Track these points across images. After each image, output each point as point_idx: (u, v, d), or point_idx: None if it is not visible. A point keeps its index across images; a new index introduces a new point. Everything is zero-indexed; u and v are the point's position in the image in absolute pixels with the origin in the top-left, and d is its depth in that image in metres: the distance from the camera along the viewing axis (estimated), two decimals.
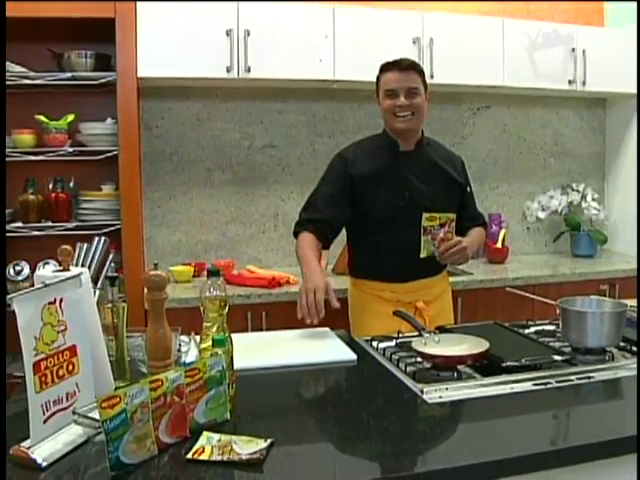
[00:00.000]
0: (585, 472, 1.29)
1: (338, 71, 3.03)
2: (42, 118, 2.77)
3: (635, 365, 1.73)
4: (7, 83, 2.72)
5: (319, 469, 1.23)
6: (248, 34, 2.88)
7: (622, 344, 1.91)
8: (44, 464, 1.20)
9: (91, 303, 1.50)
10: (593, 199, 3.62)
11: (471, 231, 2.44)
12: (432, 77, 3.14)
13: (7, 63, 2.72)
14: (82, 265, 1.81)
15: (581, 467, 1.28)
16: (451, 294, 2.51)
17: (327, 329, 2.05)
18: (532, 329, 2.10)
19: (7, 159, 2.76)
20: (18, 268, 2.84)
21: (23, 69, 2.76)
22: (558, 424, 1.42)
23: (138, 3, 2.77)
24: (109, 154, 2.83)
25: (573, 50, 3.32)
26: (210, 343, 1.45)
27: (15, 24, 2.66)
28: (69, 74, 2.78)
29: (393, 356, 1.81)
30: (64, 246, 1.51)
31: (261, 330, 2.70)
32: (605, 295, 3.14)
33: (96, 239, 1.83)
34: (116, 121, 2.81)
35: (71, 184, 2.97)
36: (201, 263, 3.17)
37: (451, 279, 3.17)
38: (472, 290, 3.02)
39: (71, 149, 2.83)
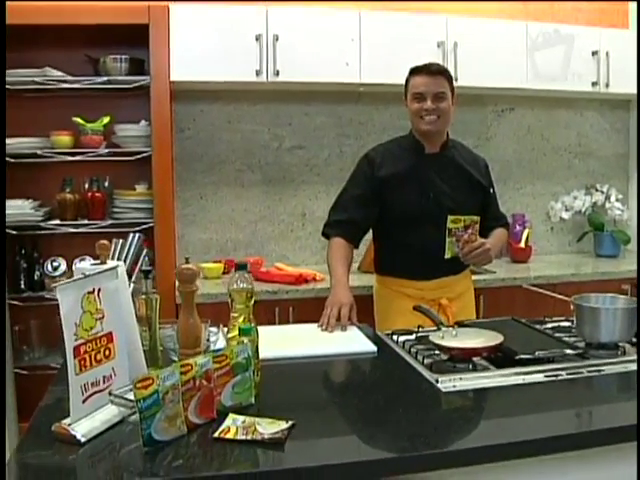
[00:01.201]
0: (593, 458, 1.35)
1: (364, 74, 3.11)
2: (79, 120, 2.91)
3: None
4: (46, 87, 2.87)
5: (337, 449, 1.31)
6: (277, 39, 2.98)
7: (635, 340, 1.96)
8: (83, 440, 1.30)
9: (127, 294, 1.61)
10: (617, 200, 3.64)
11: (494, 232, 2.50)
12: (456, 80, 3.17)
13: (46, 68, 2.86)
14: (118, 259, 1.93)
15: (589, 452, 1.34)
16: (473, 292, 2.57)
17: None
18: (549, 325, 2.16)
19: (46, 160, 2.90)
20: (55, 264, 3.00)
21: (61, 73, 2.90)
22: (566, 412, 1.47)
23: (171, 9, 2.89)
24: (143, 155, 2.96)
25: (596, 52, 3.35)
26: (237, 332, 1.55)
27: (53, 30, 2.81)
28: (105, 78, 2.91)
29: (412, 349, 1.88)
30: (102, 241, 1.63)
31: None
32: (626, 294, 3.16)
33: (131, 235, 1.95)
34: (149, 123, 2.93)
35: (106, 183, 3.11)
36: (230, 260, 3.28)
37: (474, 277, 3.22)
38: (495, 288, 3.08)
39: (106, 150, 2.96)
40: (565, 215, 3.67)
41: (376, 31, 3.11)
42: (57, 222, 2.96)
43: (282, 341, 1.92)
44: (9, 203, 2.83)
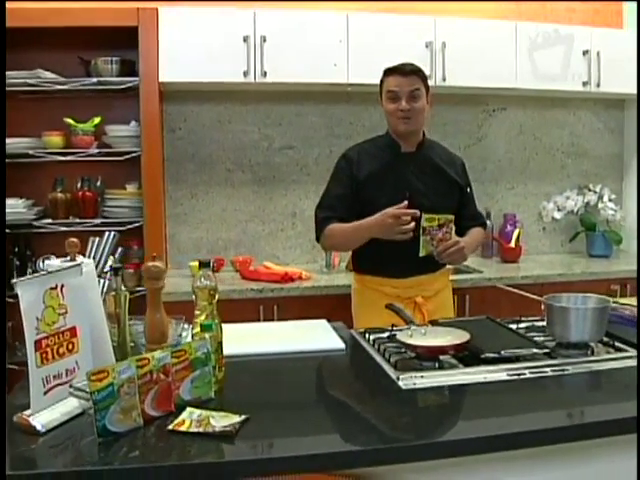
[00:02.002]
0: (538, 457, 1.38)
1: (352, 75, 3.14)
2: (70, 121, 2.96)
3: (614, 360, 1.78)
4: (39, 89, 2.92)
5: (287, 442, 1.34)
6: (264, 40, 3.02)
7: (606, 339, 1.97)
8: (42, 430, 1.34)
9: (95, 290, 1.65)
10: (610, 200, 3.63)
11: (470, 231, 2.52)
12: (444, 80, 3.23)
13: (38, 70, 2.92)
14: (93, 257, 1.97)
15: (529, 452, 1.36)
16: (451, 290, 2.59)
17: (324, 321, 2.16)
18: (523, 324, 2.17)
19: (38, 159, 2.96)
20: (48, 262, 3.04)
21: (53, 75, 2.95)
22: (520, 411, 1.48)
23: (160, 12, 2.94)
24: (132, 155, 3.01)
25: (587, 52, 3.34)
26: (199, 329, 1.58)
27: (45, 33, 2.86)
28: (95, 79, 2.96)
29: (381, 346, 1.90)
30: (71, 239, 1.67)
31: None
32: (615, 295, 3.16)
33: (107, 234, 1.98)
34: (139, 124, 2.98)
35: (98, 183, 3.16)
36: (220, 259, 3.32)
37: (460, 277, 3.26)
38: (481, 288, 3.09)
39: (97, 150, 3.01)
40: (557, 215, 3.67)
41: (364, 32, 3.14)
42: (49, 221, 3.02)
43: (252, 338, 1.96)
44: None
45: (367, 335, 2.04)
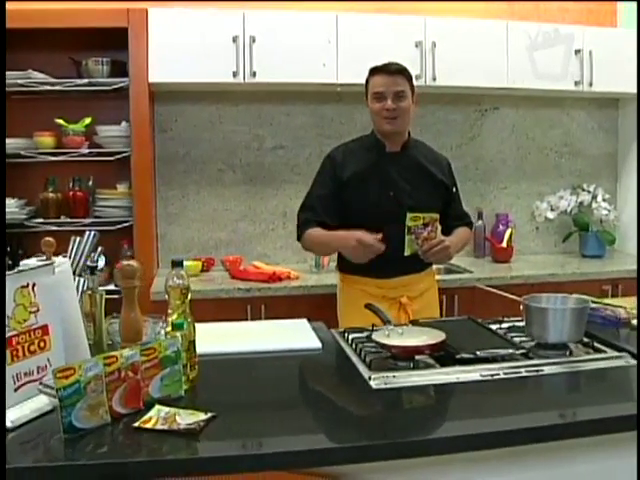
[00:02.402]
0: (511, 457, 1.39)
1: (341, 75, 3.14)
2: (61, 121, 2.99)
3: (591, 361, 1.78)
4: (30, 89, 2.95)
5: (251, 440, 1.35)
6: (253, 40, 3.03)
7: (586, 340, 1.96)
8: (11, 425, 1.36)
9: (70, 289, 1.67)
10: (604, 199, 3.62)
11: (456, 230, 2.52)
12: (435, 80, 3.23)
13: (29, 71, 2.94)
14: (74, 256, 1.99)
15: (501, 452, 1.36)
16: (437, 290, 2.59)
17: (304, 320, 2.16)
18: (505, 325, 2.16)
19: (29, 160, 2.99)
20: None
21: (44, 76, 2.98)
22: (483, 412, 1.48)
23: (150, 13, 2.96)
24: (123, 155, 3.03)
25: (579, 51, 3.34)
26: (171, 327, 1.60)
27: (37, 34, 2.89)
28: (86, 80, 2.98)
29: (359, 346, 1.91)
30: (47, 238, 1.69)
31: None
32: (607, 296, 3.15)
33: (87, 233, 1.99)
34: (130, 124, 3.00)
35: (90, 183, 3.19)
36: (210, 258, 3.34)
37: (449, 277, 3.26)
38: (469, 288, 3.08)
39: (87, 150, 3.03)
40: (550, 215, 3.66)
41: (353, 32, 3.14)
42: (40, 220, 3.04)
43: (230, 337, 1.97)
44: None
45: (346, 335, 2.05)
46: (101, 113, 3.11)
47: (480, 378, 1.66)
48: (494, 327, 2.11)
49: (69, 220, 3.06)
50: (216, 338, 1.96)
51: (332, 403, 1.52)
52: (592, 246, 3.58)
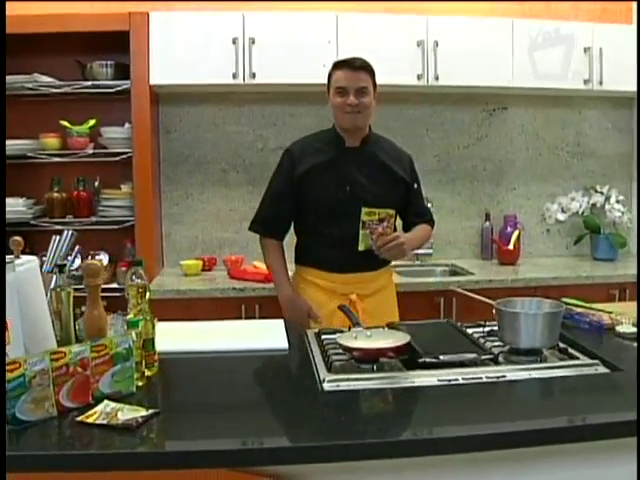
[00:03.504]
0: (450, 464, 1.37)
1: None
2: (65, 123, 3.07)
3: (559, 368, 1.73)
4: (36, 92, 3.04)
5: (187, 438, 1.37)
6: (253, 42, 3.05)
7: (563, 346, 1.91)
8: None
9: (36, 286, 1.72)
10: (617, 201, 3.51)
11: (416, 227, 2.53)
12: (437, 79, 3.19)
13: (35, 74, 3.03)
14: (53, 254, 2.05)
15: (444, 459, 1.35)
16: (394, 290, 2.58)
17: (280, 321, 2.17)
18: (486, 329, 2.11)
19: (35, 160, 3.08)
20: (44, 259, 3.16)
21: (49, 79, 3.07)
22: (430, 417, 1.46)
23: (151, 16, 3.01)
24: (126, 156, 3.10)
25: (589, 49, 3.25)
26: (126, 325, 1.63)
27: (42, 38, 2.97)
28: (89, 82, 3.06)
29: (327, 347, 1.91)
30: (15, 237, 1.75)
31: None
32: (614, 300, 3.06)
33: (64, 232, 2.05)
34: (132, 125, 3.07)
35: (96, 183, 3.26)
36: (212, 258, 3.38)
37: (448, 279, 3.22)
38: (467, 290, 3.01)
39: (91, 151, 3.11)
40: (561, 217, 3.57)
41: (353, 33, 3.13)
42: (46, 219, 3.13)
43: (200, 335, 1.99)
44: None
45: (320, 336, 2.05)
46: (105, 115, 3.19)
47: (437, 383, 1.63)
48: (472, 331, 2.09)
49: (73, 219, 3.14)
50: (187, 336, 1.99)
51: (281, 404, 1.52)
52: (603, 249, 3.48)
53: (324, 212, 2.37)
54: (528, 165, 3.66)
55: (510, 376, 1.68)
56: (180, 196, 3.45)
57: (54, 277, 1.91)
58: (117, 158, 3.12)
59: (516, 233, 3.46)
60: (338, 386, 1.61)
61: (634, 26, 3.43)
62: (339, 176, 2.36)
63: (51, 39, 2.99)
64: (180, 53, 3.03)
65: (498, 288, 3.00)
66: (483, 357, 1.77)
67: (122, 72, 3.12)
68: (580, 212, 3.55)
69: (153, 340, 1.68)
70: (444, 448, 1.33)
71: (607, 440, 1.39)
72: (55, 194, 3.13)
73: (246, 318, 2.89)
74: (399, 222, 2.53)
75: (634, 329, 2.01)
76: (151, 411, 1.41)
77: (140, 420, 1.37)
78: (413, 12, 3.23)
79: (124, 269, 3.18)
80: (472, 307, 2.95)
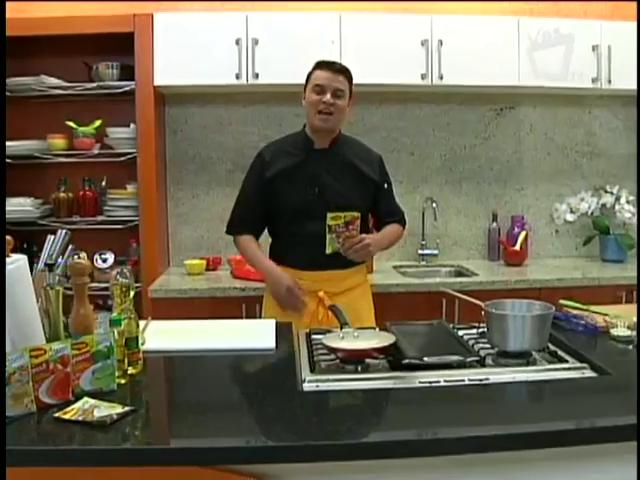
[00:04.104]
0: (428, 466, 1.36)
1: None
2: (71, 124, 3.11)
3: (545, 372, 1.71)
4: (43, 94, 3.09)
5: (160, 436, 1.38)
6: (256, 43, 3.07)
7: (553, 348, 1.89)
8: None
9: (24, 285, 1.74)
10: (627, 201, 3.45)
11: (386, 227, 2.55)
12: (441, 79, 3.17)
13: (42, 76, 3.08)
14: (49, 254, 2.09)
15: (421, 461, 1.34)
16: (369, 290, 2.59)
17: (272, 320, 2.18)
18: (479, 330, 2.09)
19: (43, 161, 3.14)
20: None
21: (56, 80, 3.12)
22: (399, 420, 1.45)
23: (155, 17, 3.04)
24: (131, 156, 3.13)
25: (596, 47, 3.19)
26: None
27: (49, 40, 3.02)
28: (95, 84, 3.10)
29: (315, 347, 1.91)
30: (7, 237, 1.78)
31: None
32: (621, 302, 3.01)
33: (59, 232, 2.09)
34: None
35: (103, 183, 3.31)
36: (217, 258, 3.40)
37: (451, 280, 3.19)
38: (470, 292, 2.98)
39: (97, 152, 3.15)
40: (569, 217, 3.52)
41: (357, 32, 3.12)
42: (53, 219, 3.18)
43: (190, 334, 2.01)
44: (11, 201, 3.10)
45: (310, 336, 2.05)
46: (111, 115, 3.22)
47: (418, 385, 1.62)
48: (463, 333, 2.07)
49: (80, 219, 3.19)
50: (177, 335, 2.01)
51: (258, 404, 1.52)
52: (612, 250, 3.43)
53: (294, 213, 2.41)
54: (536, 165, 3.61)
55: (493, 379, 1.67)
56: (186, 196, 3.48)
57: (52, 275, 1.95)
58: (123, 158, 3.15)
59: (523, 234, 3.42)
60: (318, 387, 1.61)
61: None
62: (308, 178, 2.40)
63: (58, 41, 3.04)
64: (184, 54, 3.05)
65: (501, 290, 2.97)
66: (469, 359, 1.75)
67: (128, 73, 3.15)
68: (589, 213, 3.50)
69: (137, 338, 1.70)
70: (411, 451, 1.32)
71: (589, 445, 1.37)
72: (61, 194, 3.18)
73: (247, 317, 2.90)
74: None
75: (629, 332, 1.97)
76: (127, 408, 1.43)
77: (115, 417, 1.39)
78: (417, 11, 3.21)
79: (130, 268, 3.22)
80: (474, 308, 2.95)
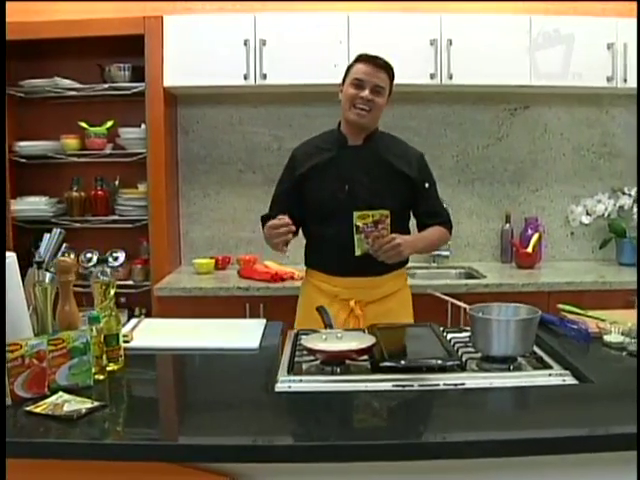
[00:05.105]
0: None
1: None
2: (83, 125, 3.19)
3: (526, 378, 1.68)
4: (56, 95, 3.17)
5: (125, 431, 1.40)
6: (264, 43, 3.08)
7: (540, 353, 1.85)
8: None
9: (14, 282, 1.79)
10: None
11: (428, 229, 2.43)
12: (451, 78, 3.13)
13: (56, 78, 3.16)
14: (43, 251, 2.14)
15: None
16: (409, 295, 2.47)
17: (262, 320, 2.19)
18: (465, 334, 2.06)
19: (56, 161, 3.22)
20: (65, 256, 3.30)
21: (69, 82, 3.19)
22: (360, 423, 1.44)
23: (165, 20, 3.09)
24: (142, 156, 3.19)
25: (612, 44, 3.11)
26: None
27: (63, 43, 3.10)
28: (106, 85, 3.17)
29: (298, 348, 1.91)
30: None
31: None
32: (632, 307, 2.92)
33: (53, 230, 2.14)
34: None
35: (116, 182, 3.37)
36: (226, 257, 3.43)
37: (455, 282, 3.15)
38: (476, 294, 2.95)
39: (108, 152, 3.22)
40: (585, 220, 3.44)
41: (365, 32, 3.11)
42: (66, 218, 3.26)
43: (177, 332, 2.03)
44: (26, 200, 3.19)
45: (299, 336, 2.05)
46: (123, 116, 3.28)
47: (392, 388, 1.61)
48: (452, 336, 2.04)
49: (92, 218, 3.26)
50: (165, 333, 2.04)
51: (229, 403, 1.54)
52: (629, 253, 3.33)
53: (324, 213, 2.32)
54: (551, 166, 3.54)
55: (469, 384, 1.63)
56: (197, 195, 3.52)
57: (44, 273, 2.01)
58: (134, 158, 3.21)
59: (536, 236, 3.35)
60: (290, 387, 1.61)
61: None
62: (339, 176, 2.31)
63: (71, 43, 3.12)
64: (192, 55, 3.09)
65: (507, 292, 2.92)
66: (448, 363, 1.72)
67: (139, 74, 3.21)
68: (606, 215, 3.41)
69: (117, 335, 1.73)
70: (369, 455, 1.31)
71: (553, 456, 1.33)
72: (74, 193, 3.25)
73: (250, 317, 2.92)
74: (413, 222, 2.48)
75: (621, 338, 1.92)
76: (96, 404, 1.46)
77: (83, 412, 1.42)
78: (426, 11, 3.18)
79: (139, 266, 3.28)
80: None
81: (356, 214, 2.16)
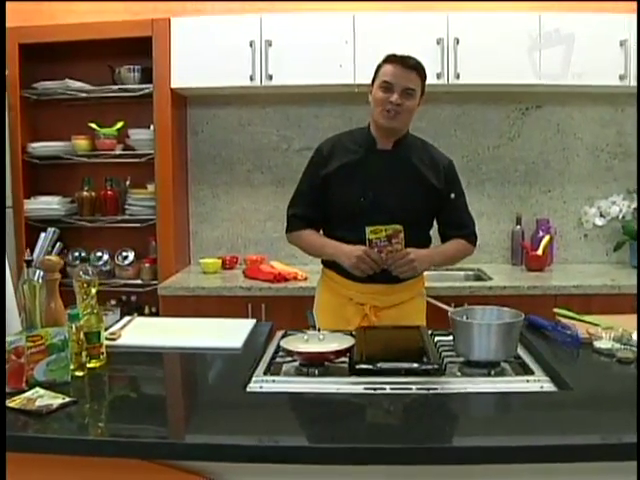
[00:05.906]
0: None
1: (359, 75, 3.10)
2: (93, 126, 3.25)
3: (503, 383, 1.65)
4: (67, 97, 3.24)
5: (93, 427, 1.43)
6: (270, 44, 3.10)
7: (525, 359, 1.82)
8: None
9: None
10: None
11: (448, 242, 2.36)
12: (458, 78, 3.10)
13: (67, 80, 3.23)
14: (39, 250, 2.19)
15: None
16: (424, 303, 2.41)
17: (252, 320, 2.20)
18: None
19: (68, 161, 3.29)
20: (75, 254, 3.37)
21: (80, 84, 3.26)
22: (329, 426, 1.43)
23: (172, 22, 3.13)
24: (151, 156, 3.24)
25: (624, 42, 3.03)
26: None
27: (74, 46, 3.17)
28: (116, 87, 3.23)
29: (280, 348, 1.91)
30: None
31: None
32: None
33: (48, 230, 2.18)
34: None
35: (127, 182, 3.43)
36: (234, 257, 3.45)
37: (458, 284, 3.11)
38: (480, 297, 2.91)
39: (118, 152, 3.28)
40: (599, 222, 3.36)
41: (370, 32, 3.09)
42: (77, 217, 3.33)
43: (165, 331, 2.06)
44: (38, 199, 3.28)
45: (285, 337, 2.05)
46: (132, 117, 3.33)
47: (363, 391, 1.59)
48: (439, 339, 2.02)
49: (102, 217, 3.33)
50: (154, 332, 2.06)
51: (200, 402, 1.55)
52: None
53: (345, 217, 2.28)
54: (564, 166, 3.46)
55: (441, 389, 1.61)
56: (206, 196, 3.56)
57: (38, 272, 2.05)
58: (143, 159, 3.26)
59: (546, 238, 3.29)
60: (261, 387, 1.62)
61: None
62: (364, 180, 2.25)
63: (82, 46, 3.18)
64: (199, 57, 3.12)
65: (511, 295, 2.87)
66: (424, 367, 1.70)
67: (148, 76, 3.26)
68: (621, 217, 3.32)
69: (98, 333, 1.76)
70: (325, 458, 1.30)
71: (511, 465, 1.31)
72: (85, 193, 3.32)
73: (252, 317, 2.93)
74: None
75: (610, 345, 1.87)
76: (68, 399, 1.49)
77: (54, 407, 1.45)
78: (432, 10, 3.15)
79: (148, 265, 3.33)
80: None
81: (368, 229, 2.13)
